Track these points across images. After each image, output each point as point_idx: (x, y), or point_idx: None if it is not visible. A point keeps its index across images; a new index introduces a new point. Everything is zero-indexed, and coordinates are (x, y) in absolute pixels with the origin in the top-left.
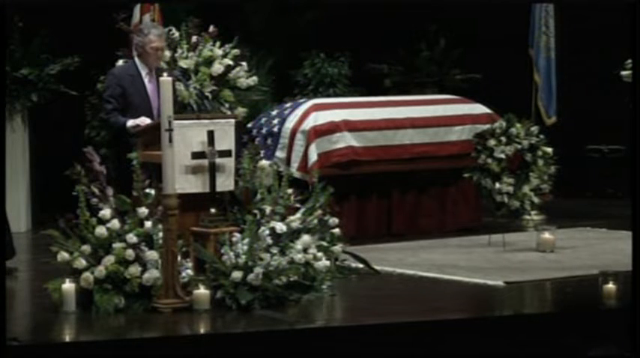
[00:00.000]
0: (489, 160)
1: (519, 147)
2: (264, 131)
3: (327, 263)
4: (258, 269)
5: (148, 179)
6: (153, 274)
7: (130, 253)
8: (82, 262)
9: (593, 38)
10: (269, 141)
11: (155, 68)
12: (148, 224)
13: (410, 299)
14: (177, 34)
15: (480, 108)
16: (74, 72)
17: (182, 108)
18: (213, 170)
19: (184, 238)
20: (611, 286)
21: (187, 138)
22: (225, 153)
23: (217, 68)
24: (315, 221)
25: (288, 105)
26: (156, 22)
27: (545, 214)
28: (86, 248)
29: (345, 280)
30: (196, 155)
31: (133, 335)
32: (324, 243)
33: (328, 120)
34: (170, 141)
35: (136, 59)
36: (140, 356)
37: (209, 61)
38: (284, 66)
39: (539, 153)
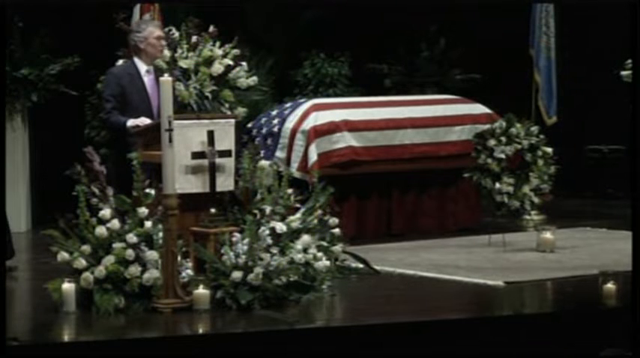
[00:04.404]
0: (489, 160)
1: (519, 147)
2: (264, 131)
3: (327, 263)
4: (258, 270)
5: (147, 179)
6: (153, 274)
7: (130, 253)
8: (82, 262)
9: (593, 38)
10: (269, 141)
11: (156, 66)
12: (148, 224)
13: (410, 299)
14: (177, 34)
15: (480, 108)
16: (74, 72)
17: (182, 108)
18: (213, 170)
19: (184, 238)
20: (611, 286)
21: (187, 138)
22: (225, 153)
23: (217, 68)
24: (315, 221)
25: (288, 105)
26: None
27: (545, 214)
28: (86, 248)
29: (345, 280)
30: (196, 155)
31: (133, 335)
32: (324, 243)
33: (328, 120)
34: (170, 141)
35: (135, 58)
36: (140, 356)
37: (209, 61)
38: (284, 66)
39: (539, 153)
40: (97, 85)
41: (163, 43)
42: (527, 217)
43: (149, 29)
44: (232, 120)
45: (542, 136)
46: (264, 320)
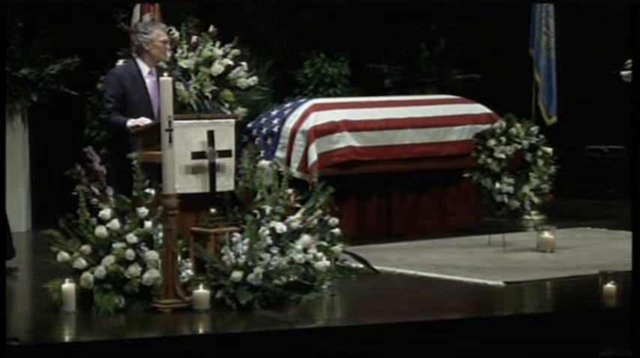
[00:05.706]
0: (489, 160)
1: (519, 147)
2: (264, 131)
3: (327, 263)
4: (258, 270)
5: (148, 179)
6: (153, 274)
7: (130, 253)
8: (82, 262)
9: (593, 38)
10: (269, 141)
11: (156, 66)
12: (148, 224)
13: (410, 299)
14: (177, 34)
15: (480, 108)
16: (74, 72)
17: (182, 108)
18: (213, 170)
19: (184, 238)
20: (611, 286)
21: (187, 138)
22: (225, 153)
23: (217, 68)
24: (315, 221)
25: (288, 105)
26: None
27: (545, 214)
28: (86, 248)
29: (345, 280)
30: (196, 155)
31: (133, 335)
32: (324, 243)
33: (328, 120)
34: (170, 141)
35: (137, 59)
36: (140, 356)
37: (209, 61)
38: (284, 66)
39: (539, 153)
40: (97, 85)
41: (168, 46)
42: (527, 217)
43: (156, 32)
44: (232, 120)
45: (542, 136)
46: (264, 320)
